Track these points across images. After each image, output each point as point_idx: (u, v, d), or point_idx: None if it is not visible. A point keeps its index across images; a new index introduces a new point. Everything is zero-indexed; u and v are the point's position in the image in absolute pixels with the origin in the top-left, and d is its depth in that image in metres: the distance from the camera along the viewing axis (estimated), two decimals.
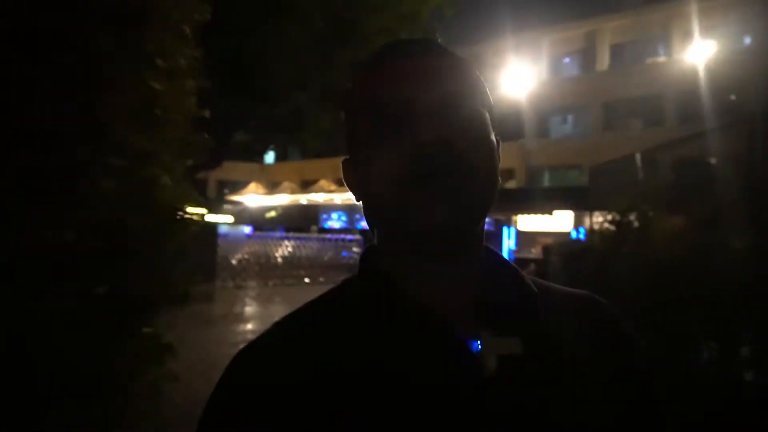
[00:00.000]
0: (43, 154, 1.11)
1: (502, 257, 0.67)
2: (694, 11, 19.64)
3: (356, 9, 6.01)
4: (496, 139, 0.65)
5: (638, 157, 4.87)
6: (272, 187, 28.95)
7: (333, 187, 26.53)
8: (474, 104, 0.62)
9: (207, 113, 2.25)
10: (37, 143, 1.12)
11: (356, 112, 0.64)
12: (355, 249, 19.94)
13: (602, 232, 4.98)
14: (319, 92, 7.04)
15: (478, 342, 0.58)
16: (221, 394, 0.58)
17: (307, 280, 17.81)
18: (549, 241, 11.86)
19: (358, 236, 21.04)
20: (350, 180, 0.68)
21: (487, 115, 0.64)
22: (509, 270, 0.66)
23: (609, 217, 4.78)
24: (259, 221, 25.49)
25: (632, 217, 4.55)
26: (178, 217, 1.67)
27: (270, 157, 30.18)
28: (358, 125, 0.64)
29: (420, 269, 0.62)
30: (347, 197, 25.54)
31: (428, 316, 0.59)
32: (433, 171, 0.57)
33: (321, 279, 18.07)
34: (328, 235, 20.90)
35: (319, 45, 6.04)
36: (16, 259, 1.10)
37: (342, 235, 20.82)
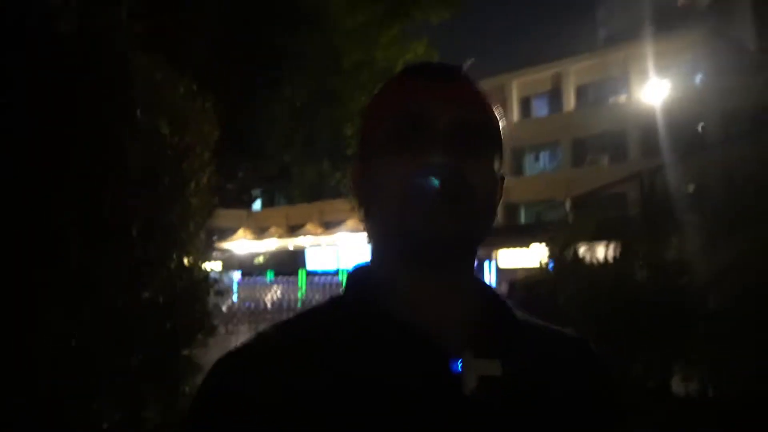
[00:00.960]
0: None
1: (490, 287, 0.70)
2: (649, 53, 21.15)
3: (335, 75, 6.83)
4: (501, 176, 0.68)
5: (567, 202, 5.72)
6: (260, 233, 29.60)
7: (320, 230, 27.27)
8: (486, 136, 0.65)
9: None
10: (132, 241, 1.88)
11: (374, 122, 0.67)
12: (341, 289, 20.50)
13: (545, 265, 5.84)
14: (301, 149, 7.85)
15: (460, 361, 0.59)
16: (201, 400, 0.59)
17: None
18: (519, 276, 12.64)
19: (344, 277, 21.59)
20: (357, 182, 0.70)
21: (497, 149, 0.66)
22: (496, 298, 0.68)
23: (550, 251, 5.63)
24: (247, 266, 26.01)
25: (568, 250, 5.40)
26: (204, 277, 2.44)
27: (257, 204, 30.93)
28: (373, 135, 0.66)
29: (410, 282, 0.63)
30: (332, 240, 26.29)
31: (412, 331, 0.60)
32: (437, 191, 0.59)
33: None
34: (316, 278, 21.52)
35: (303, 110, 6.89)
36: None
37: (329, 278, 21.47)
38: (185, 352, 2.46)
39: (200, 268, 2.55)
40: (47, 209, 1.63)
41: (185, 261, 2.35)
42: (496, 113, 0.68)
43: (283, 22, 4.40)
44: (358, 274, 0.69)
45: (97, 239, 1.91)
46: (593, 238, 5.08)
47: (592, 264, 5.04)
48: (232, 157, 7.84)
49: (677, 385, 4.33)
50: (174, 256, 2.31)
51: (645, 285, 4.37)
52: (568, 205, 5.82)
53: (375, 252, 0.68)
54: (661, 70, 21.30)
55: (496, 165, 0.66)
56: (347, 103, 7.18)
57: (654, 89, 20.95)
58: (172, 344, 2.34)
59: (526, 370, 0.61)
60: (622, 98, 23.14)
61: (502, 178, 0.68)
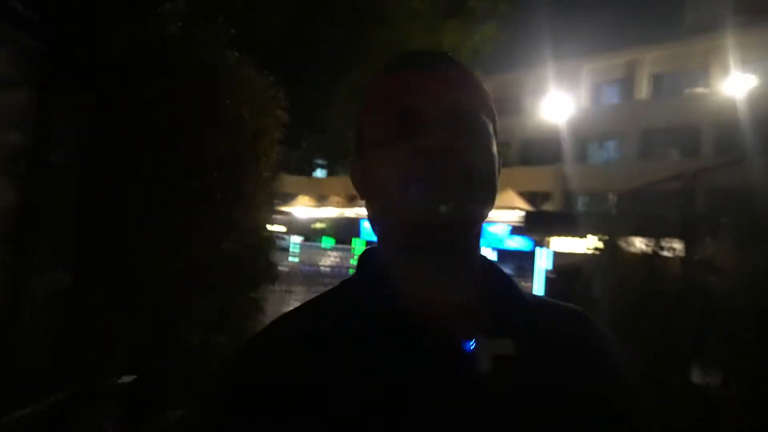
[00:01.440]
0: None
1: (498, 266, 0.70)
2: (733, 45, 20.16)
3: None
4: (498, 152, 0.69)
5: (611, 195, 5.86)
6: (320, 200, 30.53)
7: None
8: (479, 116, 0.66)
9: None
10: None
11: (367, 115, 0.68)
12: None
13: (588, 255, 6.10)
14: None
15: (473, 342, 0.60)
16: (217, 393, 0.60)
17: None
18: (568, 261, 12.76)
19: None
20: (356, 179, 0.71)
21: (491, 127, 0.68)
22: (504, 278, 0.69)
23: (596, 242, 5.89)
24: (307, 232, 26.98)
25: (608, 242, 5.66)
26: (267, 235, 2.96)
27: (319, 172, 31.80)
28: (368, 127, 0.68)
29: (417, 269, 0.65)
30: None
31: (424, 316, 0.61)
32: (435, 174, 0.60)
33: None
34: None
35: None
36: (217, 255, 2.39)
37: None
38: (253, 295, 3.00)
39: (266, 228, 3.08)
40: (158, 181, 2.17)
41: (257, 222, 2.87)
42: (486, 95, 0.69)
43: (346, 20, 4.79)
44: (368, 259, 0.70)
45: (188, 204, 2.44)
46: (632, 232, 5.31)
47: (628, 256, 5.28)
48: (296, 130, 8.39)
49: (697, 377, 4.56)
50: (248, 218, 2.83)
51: (675, 281, 4.60)
52: (612, 198, 6.01)
53: (380, 240, 0.70)
54: (745, 63, 20.29)
55: (491, 141, 0.67)
56: None
57: (735, 83, 20.02)
58: (243, 287, 2.89)
59: (538, 348, 0.62)
60: (700, 90, 22.21)
61: (500, 156, 0.69)
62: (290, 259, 18.24)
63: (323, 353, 0.59)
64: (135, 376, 2.13)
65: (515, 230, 19.67)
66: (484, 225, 0.67)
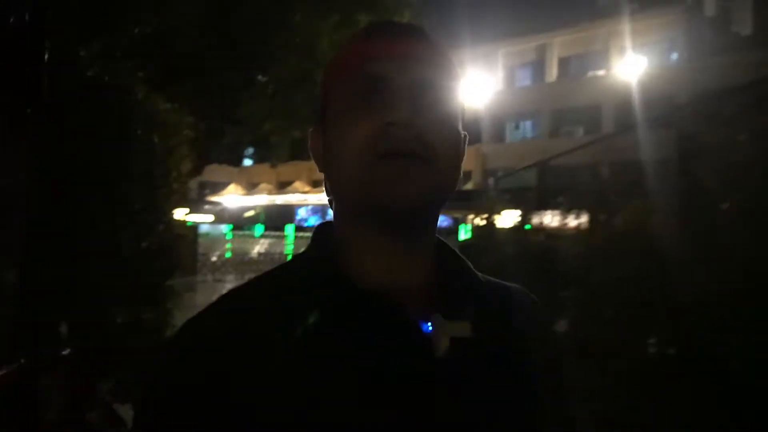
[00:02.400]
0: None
1: (451, 248, 0.70)
2: (628, 29, 21.94)
3: (309, 59, 7.67)
4: (464, 133, 0.66)
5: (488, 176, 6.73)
6: (251, 188, 30.76)
7: (307, 188, 28.44)
8: (445, 93, 0.63)
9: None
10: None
11: (331, 82, 0.65)
12: None
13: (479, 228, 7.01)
14: (281, 120, 8.89)
15: (429, 324, 0.59)
16: (164, 364, 0.59)
17: None
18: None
19: None
20: (316, 149, 0.68)
21: (457, 104, 0.65)
22: (457, 258, 0.69)
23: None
24: (238, 220, 27.18)
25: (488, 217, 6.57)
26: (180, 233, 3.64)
27: (248, 162, 31.94)
28: (331, 95, 0.65)
29: (373, 247, 0.63)
30: (321, 198, 27.48)
31: (379, 295, 0.60)
32: (397, 151, 0.58)
33: None
34: (301, 233, 22.79)
35: (277, 93, 7.90)
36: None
37: None
38: (168, 283, 3.69)
39: (183, 224, 3.75)
40: (90, 193, 2.81)
41: (170, 224, 3.55)
42: (455, 71, 0.66)
43: (257, 26, 5.39)
44: (322, 234, 0.68)
45: (113, 211, 3.08)
46: (509, 207, 6.21)
47: (506, 230, 6.19)
48: (219, 123, 8.92)
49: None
50: (161, 221, 3.50)
51: (543, 250, 5.46)
52: (491, 179, 6.93)
53: (337, 215, 0.67)
54: (640, 46, 22.16)
55: (456, 120, 0.64)
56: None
57: (630, 65, 21.84)
58: (160, 277, 3.56)
59: (490, 328, 0.62)
60: (600, 72, 24.04)
61: (465, 136, 0.67)
62: (227, 246, 18.54)
63: (272, 330, 0.57)
64: (70, 349, 2.81)
65: None
66: (442, 204, 0.64)
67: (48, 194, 2.75)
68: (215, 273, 16.62)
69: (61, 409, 2.93)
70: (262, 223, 26.92)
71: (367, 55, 0.63)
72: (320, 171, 0.68)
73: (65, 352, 2.84)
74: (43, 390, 2.86)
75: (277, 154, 11.32)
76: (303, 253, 0.69)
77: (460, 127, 0.66)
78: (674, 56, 22.42)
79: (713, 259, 2.35)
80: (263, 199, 29.37)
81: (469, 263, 0.69)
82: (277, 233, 22.07)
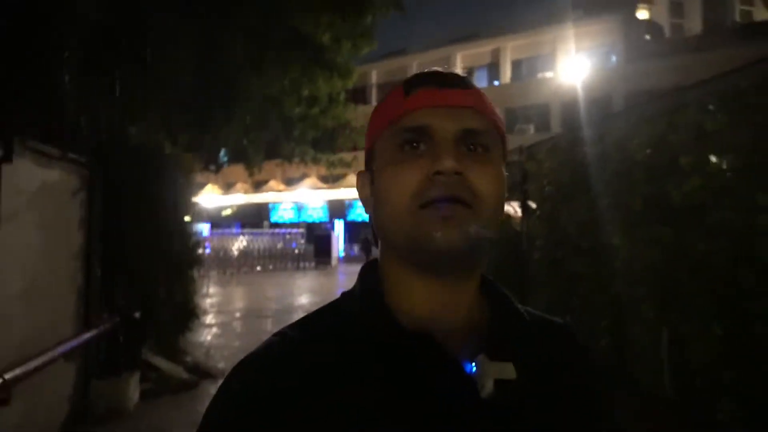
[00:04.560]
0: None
1: (497, 286, 0.70)
2: (573, 34, 24.02)
3: (278, 89, 9.27)
4: (506, 172, 0.68)
5: None
6: (227, 188, 32.11)
7: (282, 186, 29.95)
8: (488, 140, 0.65)
9: None
10: None
11: (377, 132, 0.68)
12: (300, 240, 23.65)
13: None
14: (256, 135, 10.44)
15: (474, 365, 0.59)
16: (220, 402, 0.59)
17: (258, 268, 21.45)
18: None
19: (302, 229, 24.71)
20: (364, 192, 0.70)
21: (500, 148, 0.67)
22: (503, 297, 0.69)
23: None
24: (216, 219, 28.48)
25: None
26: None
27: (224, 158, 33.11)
28: (378, 145, 0.67)
29: (420, 288, 0.64)
30: (294, 197, 29.05)
31: (424, 336, 0.61)
32: (443, 197, 0.59)
33: (270, 267, 21.75)
34: (278, 229, 24.35)
35: (254, 119, 9.47)
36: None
37: (289, 229, 24.37)
38: (190, 273, 5.45)
39: (187, 239, 5.53)
40: (135, 220, 4.65)
41: (183, 239, 5.32)
42: (497, 117, 0.68)
43: (232, 82, 7.05)
44: (369, 273, 0.69)
45: (150, 234, 4.83)
46: None
47: None
48: (200, 135, 10.49)
49: None
50: (176, 240, 5.27)
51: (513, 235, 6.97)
52: None
53: (384, 256, 0.68)
54: (584, 50, 24.27)
55: (502, 166, 0.67)
56: (292, 101, 9.83)
57: (574, 68, 23.95)
58: (186, 268, 5.33)
59: (537, 370, 0.63)
60: (549, 74, 26.12)
61: (508, 178, 0.68)
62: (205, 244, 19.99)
63: (320, 369, 0.58)
64: (140, 312, 4.56)
65: None
66: (488, 247, 0.64)
67: (118, 221, 4.48)
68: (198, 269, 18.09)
69: (129, 350, 4.69)
70: (239, 221, 28.39)
71: (412, 106, 0.64)
72: (366, 213, 0.70)
73: (136, 315, 4.58)
74: (124, 336, 4.62)
75: (254, 161, 12.73)
76: (350, 291, 0.70)
77: (503, 170, 0.67)
78: (613, 59, 24.55)
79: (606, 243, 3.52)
80: (240, 198, 30.77)
81: (514, 300, 0.70)
82: (255, 230, 23.57)
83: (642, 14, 26.44)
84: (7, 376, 2.72)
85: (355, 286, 0.70)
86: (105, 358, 4.62)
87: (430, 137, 0.63)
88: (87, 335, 4.17)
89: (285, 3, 5.86)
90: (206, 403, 0.64)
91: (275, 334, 0.64)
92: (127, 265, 4.61)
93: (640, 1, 26.31)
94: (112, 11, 4.01)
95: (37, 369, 3.18)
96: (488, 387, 0.58)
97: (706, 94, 3.03)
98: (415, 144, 0.63)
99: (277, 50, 7.19)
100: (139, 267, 4.70)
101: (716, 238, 2.71)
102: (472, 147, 0.64)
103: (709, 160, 2.89)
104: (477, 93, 0.67)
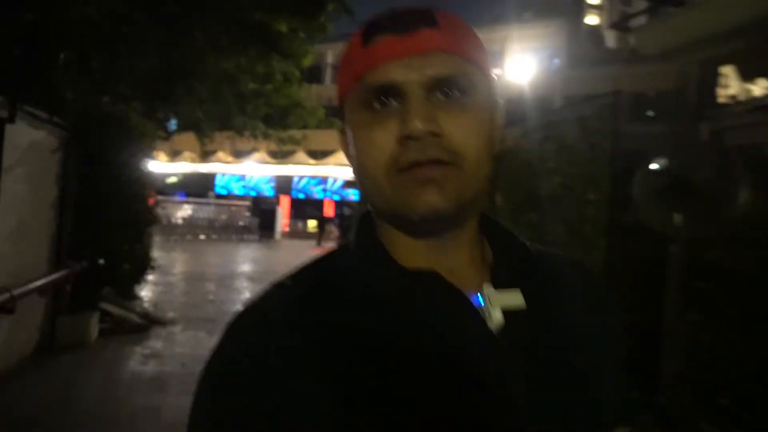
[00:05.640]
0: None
1: (499, 223, 0.66)
2: (519, 35, 25.31)
3: (235, 67, 9.85)
4: (496, 111, 0.61)
5: None
6: (174, 156, 31.88)
7: (230, 159, 30.03)
8: (466, 83, 0.56)
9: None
10: None
11: (343, 89, 0.61)
12: (246, 213, 24.11)
13: None
14: (210, 106, 10.92)
15: (480, 295, 0.58)
16: (222, 356, 0.56)
17: (202, 237, 21.84)
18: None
19: (248, 202, 25.15)
20: (347, 150, 0.64)
21: (485, 87, 0.59)
22: (506, 233, 0.66)
23: None
24: (161, 186, 28.33)
25: None
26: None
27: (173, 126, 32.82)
28: (345, 104, 0.61)
29: (412, 244, 0.60)
30: (242, 169, 29.27)
31: (430, 273, 0.58)
32: (419, 162, 0.54)
33: (214, 236, 22.17)
34: (223, 201, 24.67)
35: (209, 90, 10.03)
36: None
37: (235, 201, 24.74)
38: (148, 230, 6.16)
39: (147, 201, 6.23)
40: (107, 183, 5.33)
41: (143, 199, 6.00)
42: (480, 50, 0.60)
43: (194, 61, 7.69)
44: (366, 225, 0.65)
45: (122, 192, 5.52)
46: None
47: None
48: (152, 104, 10.95)
49: None
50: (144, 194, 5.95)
51: None
52: None
53: (375, 213, 0.64)
54: (530, 51, 25.61)
55: (487, 111, 0.58)
56: (246, 77, 10.43)
57: (519, 67, 25.27)
58: (145, 227, 6.03)
59: (547, 300, 0.61)
60: (497, 71, 27.35)
61: (499, 119, 0.62)
62: None
63: (332, 315, 0.56)
64: (103, 260, 5.26)
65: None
66: (479, 199, 0.59)
67: (89, 180, 5.15)
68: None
69: (92, 292, 5.39)
70: (184, 190, 28.40)
71: (373, 60, 0.56)
72: (354, 173, 0.63)
73: (101, 262, 5.28)
74: (85, 281, 5.31)
75: (206, 132, 13.14)
76: (347, 243, 0.65)
77: (489, 114, 0.59)
78: (555, 62, 26.02)
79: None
80: (186, 167, 30.68)
81: (518, 235, 0.66)
82: (199, 199, 23.81)
83: (592, 19, 27.99)
84: (15, 292, 3.43)
85: (350, 237, 0.66)
86: (71, 297, 5.29)
87: (397, 93, 0.56)
88: (57, 275, 4.84)
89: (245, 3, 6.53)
90: (154, 343, 1.16)
91: (273, 285, 0.61)
92: (96, 218, 5.28)
93: (589, 7, 27.85)
94: (104, 15, 4.66)
95: (30, 292, 3.88)
96: (496, 317, 0.57)
97: (571, 113, 4.03)
98: (384, 100, 0.56)
99: (236, 36, 7.87)
100: (106, 221, 5.37)
101: (561, 223, 3.71)
102: (447, 93, 0.56)
103: (565, 166, 3.88)
104: (446, 28, 0.57)
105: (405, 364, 0.53)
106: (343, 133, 0.63)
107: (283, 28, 8.29)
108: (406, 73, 0.55)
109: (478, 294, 0.58)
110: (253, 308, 0.59)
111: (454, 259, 0.60)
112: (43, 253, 4.88)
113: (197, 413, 0.55)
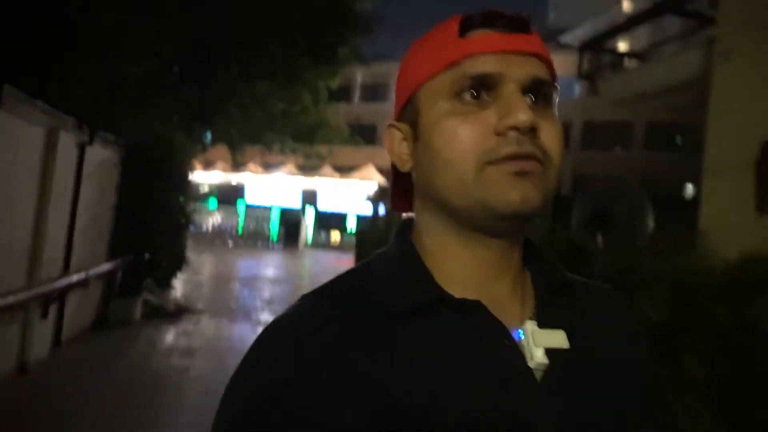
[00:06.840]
0: None
1: (538, 247, 0.65)
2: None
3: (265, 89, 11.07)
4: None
5: None
6: (207, 165, 33.41)
7: (260, 170, 31.38)
8: (551, 91, 0.58)
9: None
10: None
11: (427, 74, 0.59)
12: (272, 223, 25.41)
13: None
14: (241, 124, 12.15)
15: (521, 331, 0.56)
16: (249, 373, 0.55)
17: (230, 243, 23.20)
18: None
19: (275, 213, 26.44)
20: (399, 148, 0.62)
21: (556, 103, 0.60)
22: (546, 260, 0.64)
23: None
24: (196, 194, 29.62)
25: None
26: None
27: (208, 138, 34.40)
28: (424, 95, 0.58)
29: (467, 253, 0.58)
30: (271, 181, 30.58)
31: (472, 301, 0.56)
32: (518, 154, 0.53)
33: (241, 243, 23.52)
34: (252, 210, 25.99)
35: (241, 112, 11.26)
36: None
37: (262, 211, 26.06)
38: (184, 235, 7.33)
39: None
40: (155, 193, 6.54)
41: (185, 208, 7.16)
42: (553, 67, 0.60)
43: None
44: (407, 233, 0.63)
45: (167, 204, 6.71)
46: None
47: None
48: (188, 122, 12.21)
49: None
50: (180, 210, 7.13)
51: None
52: None
53: (426, 220, 0.61)
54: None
55: (559, 126, 0.59)
56: (274, 103, 11.62)
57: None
58: (183, 232, 7.21)
59: (588, 339, 0.59)
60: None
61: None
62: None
63: (363, 335, 0.54)
64: (148, 255, 6.46)
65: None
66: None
67: (137, 192, 6.37)
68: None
69: (137, 281, 6.58)
70: (215, 198, 29.86)
71: (473, 50, 0.56)
72: (401, 169, 0.62)
73: (146, 256, 6.47)
74: (132, 272, 6.49)
75: (237, 145, 14.28)
76: (385, 252, 0.63)
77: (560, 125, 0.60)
78: (576, 89, 26.81)
79: None
80: (218, 176, 32.16)
81: (559, 265, 0.65)
82: (229, 206, 25.19)
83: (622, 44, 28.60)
84: (90, 273, 4.60)
85: (388, 248, 0.63)
86: (120, 284, 6.49)
87: (494, 87, 0.55)
88: (113, 264, 6.04)
89: (270, 42, 7.68)
90: (185, 326, 2.10)
91: (302, 298, 0.59)
92: (143, 220, 6.48)
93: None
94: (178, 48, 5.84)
95: (98, 274, 5.07)
96: (538, 356, 0.54)
97: None
98: (476, 93, 0.55)
99: (266, 67, 9.09)
100: (151, 223, 6.57)
101: None
102: (534, 98, 0.56)
103: None
104: (539, 38, 0.59)
105: (431, 398, 0.51)
106: (391, 129, 0.62)
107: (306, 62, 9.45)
108: (508, 67, 0.55)
109: (519, 330, 0.56)
110: (278, 326, 0.57)
111: (499, 284, 0.59)
112: (103, 247, 6.10)
113: (221, 423, 0.55)
